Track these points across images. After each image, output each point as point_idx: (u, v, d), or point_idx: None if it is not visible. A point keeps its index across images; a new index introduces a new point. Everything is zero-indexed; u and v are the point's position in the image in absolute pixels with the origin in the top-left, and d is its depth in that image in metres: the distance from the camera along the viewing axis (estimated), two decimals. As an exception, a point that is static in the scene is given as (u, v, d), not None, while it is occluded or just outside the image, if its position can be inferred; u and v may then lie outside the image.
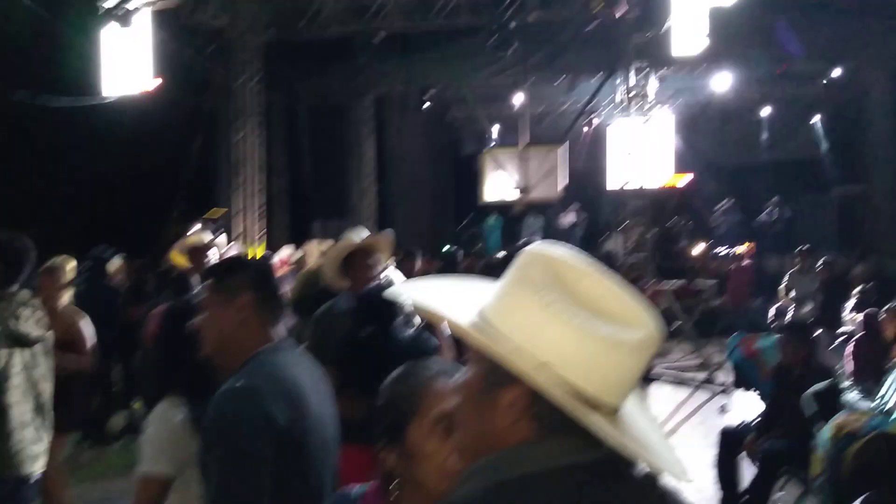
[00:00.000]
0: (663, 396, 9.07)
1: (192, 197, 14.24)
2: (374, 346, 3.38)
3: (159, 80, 11.56)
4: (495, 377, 1.15)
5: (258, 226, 14.41)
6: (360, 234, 4.36)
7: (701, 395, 9.35)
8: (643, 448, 1.14)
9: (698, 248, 13.62)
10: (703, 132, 18.96)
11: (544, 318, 1.11)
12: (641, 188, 12.87)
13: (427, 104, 16.99)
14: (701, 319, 12.19)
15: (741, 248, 16.50)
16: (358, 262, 4.11)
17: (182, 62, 12.61)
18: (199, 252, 6.01)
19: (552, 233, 18.15)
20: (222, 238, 12.18)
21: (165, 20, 12.41)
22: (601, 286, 1.15)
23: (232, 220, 14.29)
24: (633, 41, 12.31)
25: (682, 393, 9.56)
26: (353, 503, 1.62)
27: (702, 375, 10.09)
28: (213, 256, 5.95)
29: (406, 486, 1.53)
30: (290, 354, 2.25)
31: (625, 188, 12.96)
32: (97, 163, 14.64)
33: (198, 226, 13.09)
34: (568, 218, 18.22)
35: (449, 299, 1.24)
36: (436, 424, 1.50)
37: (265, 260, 8.65)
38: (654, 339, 1.15)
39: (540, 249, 1.20)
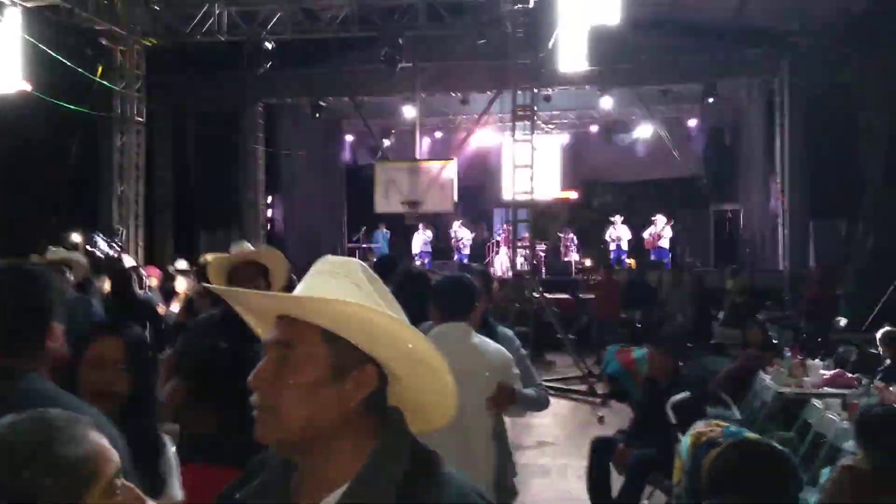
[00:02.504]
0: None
1: (71, 205, 13.61)
2: (232, 359, 3.27)
3: (28, 85, 11.01)
4: (346, 359, 1.30)
5: (138, 235, 13.92)
6: (245, 247, 4.18)
7: (581, 407, 9.56)
8: None
9: (585, 262, 13.99)
10: (590, 149, 19.54)
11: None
12: (532, 201, 13.11)
13: (318, 115, 16.83)
14: (582, 332, 12.53)
15: (630, 261, 17.10)
16: (241, 276, 3.77)
17: (59, 64, 12.03)
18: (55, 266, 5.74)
19: (441, 246, 18.33)
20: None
21: (40, 20, 11.84)
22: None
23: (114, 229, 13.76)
24: (520, 59, 12.56)
25: (563, 405, 9.76)
26: None
27: (583, 387, 10.33)
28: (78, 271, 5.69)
29: None
30: None
31: (515, 202, 13.18)
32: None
33: (76, 235, 12.58)
34: (460, 232, 18.41)
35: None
36: (115, 485, 1.25)
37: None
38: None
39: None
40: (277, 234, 19.22)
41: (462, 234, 18.51)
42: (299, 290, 1.35)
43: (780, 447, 3.43)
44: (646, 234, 17.37)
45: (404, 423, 1.34)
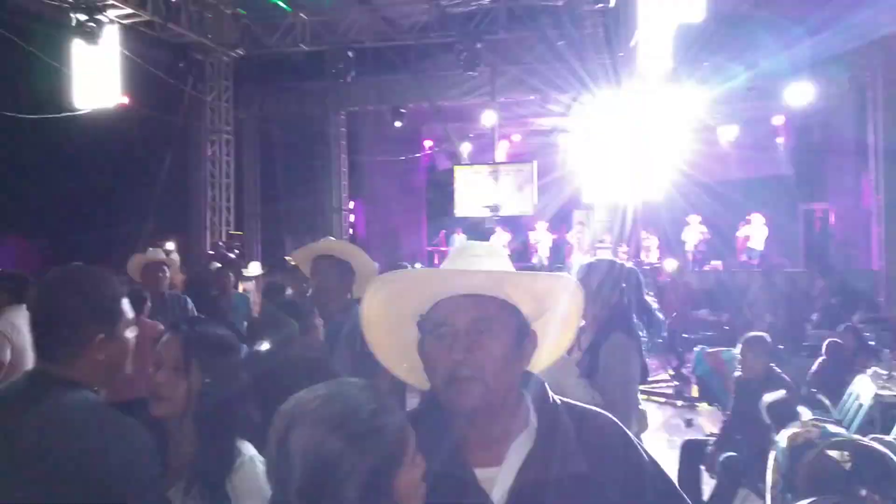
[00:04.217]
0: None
1: (165, 213, 14.15)
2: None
3: (126, 99, 11.54)
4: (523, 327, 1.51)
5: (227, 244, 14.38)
6: (327, 241, 4.26)
7: (665, 409, 9.41)
8: None
9: (670, 264, 13.74)
10: (673, 148, 19.13)
11: None
12: (614, 202, 13.01)
13: (399, 122, 17.04)
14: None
15: (716, 262, 16.71)
16: (322, 267, 3.80)
17: (152, 78, 12.57)
18: (153, 268, 6.01)
19: (519, 248, 18.26)
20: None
21: (135, 36, 12.40)
22: None
23: (202, 235, 14.28)
24: (600, 59, 12.48)
25: (648, 408, 9.62)
26: None
27: (668, 390, 10.17)
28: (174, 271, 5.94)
29: None
30: None
31: (596, 203, 13.09)
32: (69, 177, 14.51)
33: (170, 243, 13.11)
34: (539, 234, 18.34)
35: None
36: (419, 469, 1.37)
37: None
38: None
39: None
40: (359, 238, 19.55)
41: (540, 236, 18.44)
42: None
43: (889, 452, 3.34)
44: (740, 234, 17.04)
45: (539, 377, 1.58)
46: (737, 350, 5.84)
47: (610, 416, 1.59)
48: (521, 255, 18.44)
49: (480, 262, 1.49)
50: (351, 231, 19.39)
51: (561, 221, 19.46)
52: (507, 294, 1.48)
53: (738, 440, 5.40)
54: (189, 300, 6.28)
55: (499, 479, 1.44)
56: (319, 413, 1.30)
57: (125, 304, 1.98)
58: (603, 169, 12.44)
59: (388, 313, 1.54)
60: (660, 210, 17.53)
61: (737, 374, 5.73)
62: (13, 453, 1.74)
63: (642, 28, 11.03)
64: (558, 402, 1.54)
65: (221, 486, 1.88)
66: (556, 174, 18.44)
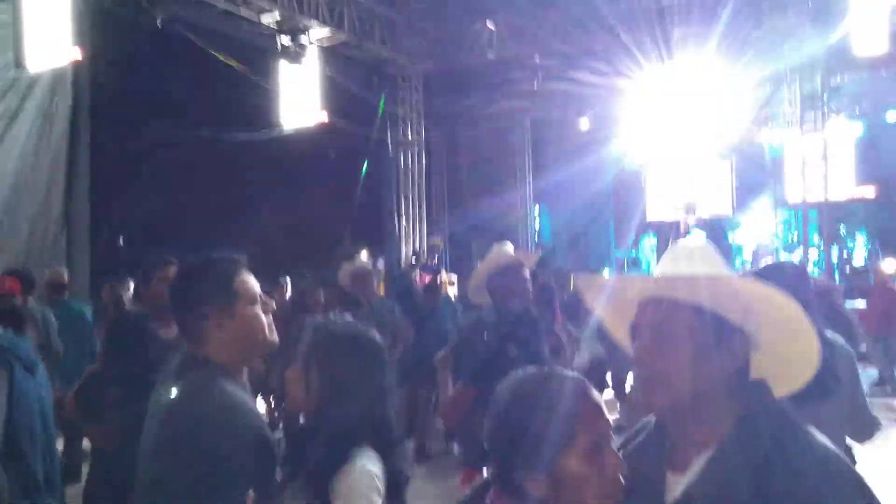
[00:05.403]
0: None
1: (359, 223, 14.80)
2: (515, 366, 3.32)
3: (325, 114, 12.14)
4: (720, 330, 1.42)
5: (424, 250, 14.81)
6: (506, 249, 4.28)
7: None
8: None
9: (888, 265, 12.52)
10: (889, 141, 17.57)
11: None
12: (825, 201, 12.07)
13: (585, 124, 16.78)
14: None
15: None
16: (502, 279, 3.91)
17: (348, 94, 13.20)
18: (361, 276, 6.27)
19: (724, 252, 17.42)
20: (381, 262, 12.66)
21: (333, 55, 13.07)
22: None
23: (396, 244, 14.81)
24: (805, 48, 11.64)
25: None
26: None
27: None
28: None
29: None
30: None
31: (804, 203, 12.21)
32: (275, 191, 15.58)
33: (364, 253, 13.69)
34: (737, 235, 17.43)
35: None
36: (590, 453, 1.43)
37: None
38: None
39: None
40: (544, 243, 19.48)
41: (738, 237, 17.54)
42: (661, 273, 1.50)
43: None
44: None
45: (769, 391, 1.45)
46: None
47: (849, 473, 1.37)
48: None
49: (678, 263, 1.48)
50: (536, 237, 19.36)
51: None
52: (686, 297, 1.43)
53: None
54: (396, 306, 6.51)
55: (678, 487, 1.44)
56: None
57: (245, 284, 2.07)
58: (812, 164, 11.56)
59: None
60: (875, 208, 16.13)
61: None
62: (152, 426, 1.96)
63: (855, 10, 10.19)
64: (775, 424, 1.39)
65: (324, 487, 1.85)
66: (755, 171, 17.47)
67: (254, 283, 2.10)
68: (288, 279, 9.53)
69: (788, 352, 1.45)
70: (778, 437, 1.37)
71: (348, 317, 2.15)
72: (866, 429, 3.09)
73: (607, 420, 1.49)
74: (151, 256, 3.88)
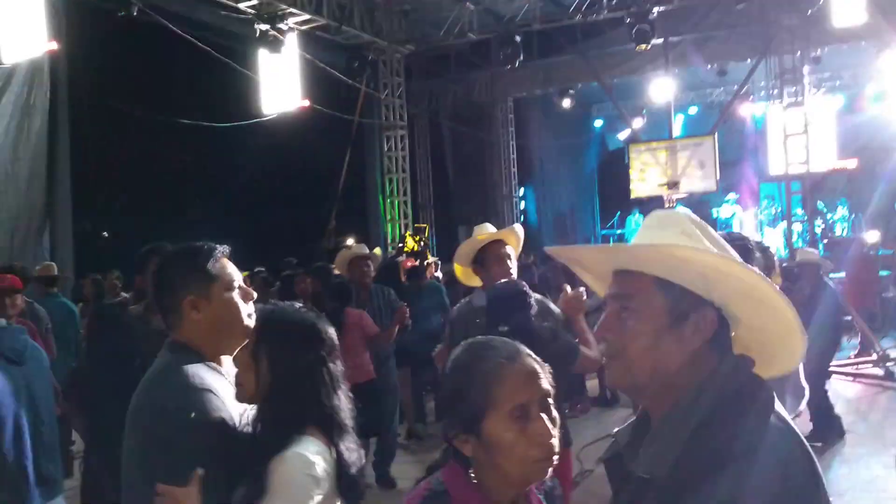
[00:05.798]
0: (836, 395, 8.52)
1: (343, 208, 14.81)
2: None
3: (306, 102, 12.05)
4: (683, 305, 1.33)
5: (409, 234, 14.80)
6: (487, 230, 4.25)
7: (875, 392, 8.72)
8: None
9: (870, 236, 12.63)
10: (866, 114, 17.67)
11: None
12: (807, 173, 12.13)
13: (567, 103, 16.74)
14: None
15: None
16: (488, 258, 3.99)
17: (328, 79, 13.10)
18: (359, 262, 6.28)
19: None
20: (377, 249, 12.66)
21: (312, 40, 12.96)
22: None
23: (381, 227, 14.80)
24: (785, 21, 11.66)
25: (854, 389, 8.97)
26: (439, 492, 1.56)
27: (879, 371, 9.41)
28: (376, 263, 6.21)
29: (486, 470, 1.54)
30: None
31: (787, 175, 12.27)
32: (257, 178, 15.53)
33: (351, 240, 13.67)
34: (723, 210, 17.55)
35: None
36: (513, 417, 1.50)
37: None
38: None
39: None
40: (530, 224, 19.51)
41: (724, 212, 17.64)
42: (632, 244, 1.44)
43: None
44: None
45: (748, 365, 1.35)
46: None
47: (800, 452, 1.27)
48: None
49: (650, 233, 1.40)
50: (522, 217, 19.38)
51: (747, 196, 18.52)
52: (647, 269, 1.35)
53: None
54: (392, 291, 6.55)
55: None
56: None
57: (221, 268, 2.08)
58: (793, 136, 11.59)
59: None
60: (857, 180, 16.24)
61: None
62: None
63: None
64: (720, 399, 1.28)
65: (261, 472, 1.82)
66: (737, 146, 17.54)
67: (232, 270, 2.11)
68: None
69: (768, 328, 1.35)
70: (716, 415, 1.27)
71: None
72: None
73: (541, 387, 1.53)
74: (145, 247, 3.88)
